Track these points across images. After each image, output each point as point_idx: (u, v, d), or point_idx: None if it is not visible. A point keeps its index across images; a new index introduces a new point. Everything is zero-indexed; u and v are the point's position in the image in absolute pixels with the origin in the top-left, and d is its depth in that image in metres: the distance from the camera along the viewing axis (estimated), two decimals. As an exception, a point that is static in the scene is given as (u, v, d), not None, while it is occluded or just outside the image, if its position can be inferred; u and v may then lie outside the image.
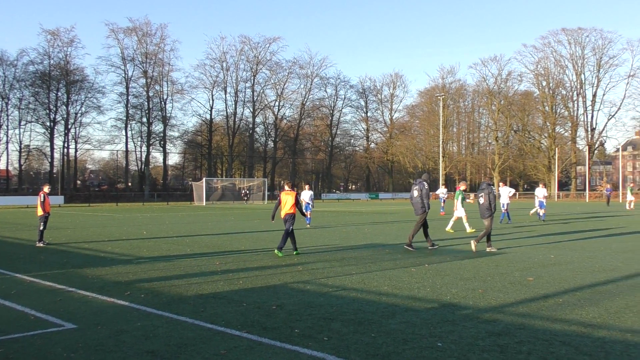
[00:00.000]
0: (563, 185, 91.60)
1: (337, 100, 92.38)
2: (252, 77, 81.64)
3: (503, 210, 23.18)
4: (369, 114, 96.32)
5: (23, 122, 70.28)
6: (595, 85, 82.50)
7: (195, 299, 7.71)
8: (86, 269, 10.73)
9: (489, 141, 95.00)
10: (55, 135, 71.00)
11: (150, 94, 74.62)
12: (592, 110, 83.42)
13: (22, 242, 16.44)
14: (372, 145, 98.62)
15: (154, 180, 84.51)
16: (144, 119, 75.44)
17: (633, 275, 9.73)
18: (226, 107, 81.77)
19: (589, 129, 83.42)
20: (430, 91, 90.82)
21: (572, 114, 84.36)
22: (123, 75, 73.77)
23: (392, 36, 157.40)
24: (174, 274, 9.96)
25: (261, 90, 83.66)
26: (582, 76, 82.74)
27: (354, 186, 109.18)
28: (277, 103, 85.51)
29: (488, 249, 13.26)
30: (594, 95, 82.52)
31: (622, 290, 8.29)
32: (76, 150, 74.52)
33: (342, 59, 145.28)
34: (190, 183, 67.62)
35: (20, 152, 71.25)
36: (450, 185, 70.61)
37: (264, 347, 5.40)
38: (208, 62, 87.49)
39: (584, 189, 77.71)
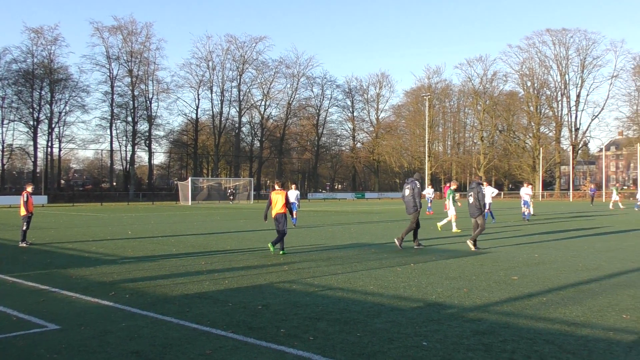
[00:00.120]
0: (547, 185, 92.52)
1: (323, 99, 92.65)
2: (239, 77, 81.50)
3: (486, 210, 23.33)
4: (355, 114, 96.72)
5: (6, 121, 69.31)
6: (579, 85, 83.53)
7: (181, 299, 7.67)
8: (70, 269, 10.62)
9: (475, 141, 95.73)
10: (38, 134, 70.25)
11: (136, 93, 74.10)
12: (576, 111, 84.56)
13: (4, 243, 16.24)
14: (358, 144, 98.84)
15: (139, 179, 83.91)
16: (129, 118, 74.97)
17: (616, 274, 9.84)
18: (212, 107, 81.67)
19: (573, 129, 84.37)
20: (416, 91, 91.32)
21: (556, 114, 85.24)
22: (108, 74, 73.27)
23: (379, 36, 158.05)
24: (159, 274, 9.90)
25: (247, 90, 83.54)
26: (567, 76, 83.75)
27: (340, 186, 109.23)
28: (263, 102, 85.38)
29: (468, 242, 13.52)
30: (578, 96, 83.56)
31: (605, 288, 8.37)
32: (60, 150, 73.79)
33: (329, 58, 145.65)
34: (175, 183, 67.17)
35: (2, 151, 70.21)
36: (435, 185, 70.94)
37: (250, 347, 5.39)
38: (194, 61, 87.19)
39: (568, 189, 78.49)
